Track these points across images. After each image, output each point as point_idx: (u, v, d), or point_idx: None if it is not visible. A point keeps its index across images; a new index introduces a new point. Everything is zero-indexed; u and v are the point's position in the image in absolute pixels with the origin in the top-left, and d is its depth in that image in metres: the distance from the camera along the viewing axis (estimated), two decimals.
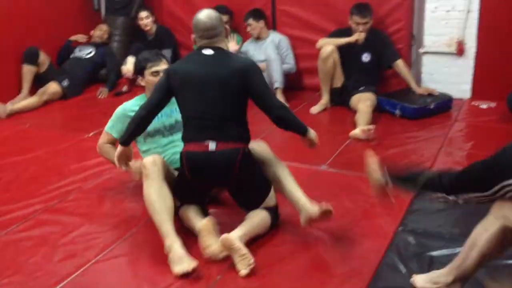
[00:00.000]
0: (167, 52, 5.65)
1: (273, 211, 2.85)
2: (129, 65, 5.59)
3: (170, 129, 3.23)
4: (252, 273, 2.48)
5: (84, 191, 3.40)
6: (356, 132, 4.01)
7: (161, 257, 2.64)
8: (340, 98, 4.76)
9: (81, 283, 2.49)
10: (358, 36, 4.54)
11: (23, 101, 5.10)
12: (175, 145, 3.15)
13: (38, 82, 5.50)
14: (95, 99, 5.43)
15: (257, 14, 5.15)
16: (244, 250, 2.52)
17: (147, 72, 3.19)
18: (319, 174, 3.50)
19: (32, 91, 5.39)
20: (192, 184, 2.79)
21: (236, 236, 2.54)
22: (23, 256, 2.71)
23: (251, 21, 5.11)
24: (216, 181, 2.81)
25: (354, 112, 4.42)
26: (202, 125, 2.70)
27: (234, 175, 2.69)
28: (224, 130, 2.70)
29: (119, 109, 3.30)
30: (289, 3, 5.24)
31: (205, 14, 2.81)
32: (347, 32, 4.71)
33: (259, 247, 2.69)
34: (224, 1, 5.40)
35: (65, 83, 5.38)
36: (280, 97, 4.85)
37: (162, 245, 2.73)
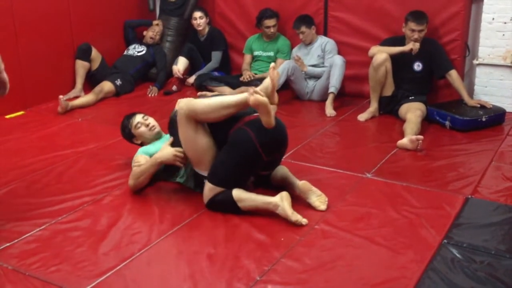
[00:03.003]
0: (217, 54, 5.73)
1: None
2: (179, 65, 5.70)
3: None
4: (292, 278, 2.49)
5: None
6: (404, 141, 3.96)
7: (203, 254, 2.69)
8: (389, 107, 4.71)
9: (125, 276, 2.54)
10: (413, 45, 4.48)
11: (81, 99, 5.25)
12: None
13: (91, 78, 5.67)
14: (145, 97, 5.55)
15: (308, 21, 5.17)
16: (318, 191, 3.12)
17: (133, 129, 3.60)
18: (364, 181, 3.48)
19: (85, 86, 5.57)
20: (257, 160, 3.04)
21: (306, 182, 3.12)
22: (70, 246, 2.80)
23: (304, 28, 5.13)
24: (284, 148, 3.20)
25: (402, 121, 4.36)
26: None
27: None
28: None
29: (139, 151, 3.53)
30: (342, 9, 5.23)
31: None
32: (400, 40, 4.66)
33: (301, 250, 2.70)
34: (275, 5, 5.44)
35: (118, 82, 5.52)
36: (331, 102, 4.85)
37: (204, 242, 2.78)
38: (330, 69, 4.95)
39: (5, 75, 2.91)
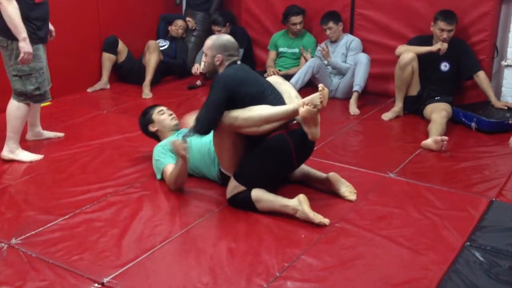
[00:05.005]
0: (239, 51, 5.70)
1: None
2: (196, 67, 5.67)
3: None
4: (311, 276, 2.50)
5: (154, 179, 3.49)
6: (428, 142, 3.92)
7: (223, 248, 2.70)
8: (414, 107, 4.67)
9: (146, 267, 2.57)
10: (441, 46, 4.43)
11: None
12: None
13: (117, 70, 5.73)
14: (169, 90, 5.58)
15: (336, 17, 5.15)
16: (347, 182, 3.22)
17: (155, 114, 3.64)
18: (387, 181, 3.45)
19: (111, 79, 5.63)
20: (288, 168, 3.14)
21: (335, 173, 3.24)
22: (93, 236, 2.83)
23: (331, 24, 5.10)
24: (308, 153, 3.20)
25: (427, 121, 4.32)
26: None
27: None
28: None
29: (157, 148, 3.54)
30: (369, 6, 5.19)
31: (229, 37, 3.29)
32: (427, 40, 4.61)
33: (321, 247, 2.70)
34: (301, 2, 5.43)
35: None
36: (355, 101, 4.82)
37: (224, 238, 2.80)
38: (355, 67, 4.92)
39: None
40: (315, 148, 3.87)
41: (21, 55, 3.49)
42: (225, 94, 2.96)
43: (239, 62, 3.17)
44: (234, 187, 3.08)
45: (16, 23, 3.44)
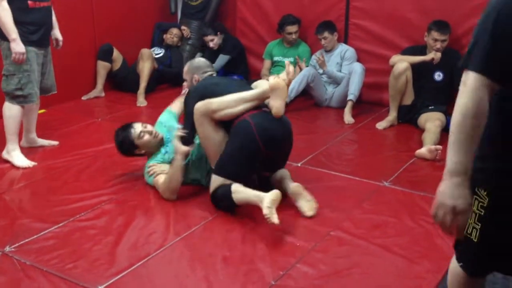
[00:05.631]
0: (223, 58, 5.70)
1: None
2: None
3: None
4: (307, 284, 2.50)
5: (148, 186, 3.49)
6: (423, 151, 3.94)
7: (218, 256, 2.70)
8: (408, 116, 4.69)
9: (141, 275, 2.56)
10: (434, 55, 4.46)
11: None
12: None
13: (112, 79, 5.73)
14: (164, 98, 5.56)
15: (331, 27, 5.17)
16: (309, 196, 3.12)
17: (137, 140, 3.47)
18: (381, 190, 3.47)
19: (106, 87, 5.63)
20: (256, 152, 3.08)
21: (299, 184, 3.14)
22: (87, 244, 2.83)
23: (327, 34, 5.13)
24: (285, 147, 3.26)
25: (421, 130, 4.34)
26: None
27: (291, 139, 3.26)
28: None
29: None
30: (363, 17, 5.22)
31: (200, 59, 3.70)
32: (421, 50, 4.65)
33: (316, 256, 2.70)
34: (296, 11, 5.45)
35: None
36: (350, 110, 4.85)
37: (219, 246, 2.79)
38: (350, 76, 4.94)
39: None
40: (310, 157, 3.89)
41: (13, 55, 3.59)
42: (196, 101, 3.20)
43: (214, 74, 3.57)
44: (213, 181, 3.12)
45: (6, 25, 3.55)
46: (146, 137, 3.44)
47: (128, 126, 3.51)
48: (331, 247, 2.80)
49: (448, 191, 1.60)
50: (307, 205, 3.11)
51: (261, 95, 3.16)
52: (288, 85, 3.16)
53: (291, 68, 3.18)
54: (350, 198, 3.33)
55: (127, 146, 3.49)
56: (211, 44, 5.69)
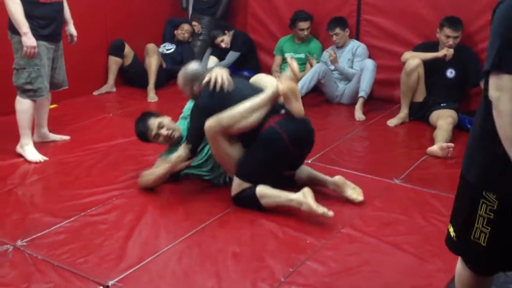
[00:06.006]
0: (233, 55, 5.70)
1: None
2: (209, 65, 5.72)
3: None
4: (316, 281, 2.49)
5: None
6: (434, 148, 3.92)
7: (228, 252, 2.70)
8: (420, 113, 4.66)
9: (151, 271, 2.57)
10: (447, 51, 4.43)
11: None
12: None
13: (123, 74, 5.75)
14: (175, 93, 5.55)
15: (343, 23, 5.15)
16: (353, 184, 3.23)
17: (153, 140, 3.49)
18: (392, 187, 3.45)
19: (117, 82, 5.65)
20: (285, 156, 3.10)
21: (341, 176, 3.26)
22: (98, 239, 2.84)
23: (338, 30, 5.11)
24: (310, 145, 3.25)
25: (433, 128, 4.32)
26: None
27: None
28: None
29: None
30: (375, 13, 5.20)
31: (191, 66, 3.37)
32: (433, 46, 4.62)
33: (326, 253, 2.70)
34: (308, 7, 5.43)
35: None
36: (361, 106, 4.83)
37: (229, 242, 2.80)
38: (361, 73, 4.92)
39: None
40: (321, 153, 3.88)
41: (24, 49, 3.61)
42: (204, 117, 3.08)
43: None
44: (238, 184, 3.11)
45: (16, 18, 3.57)
46: (161, 139, 3.47)
47: (145, 122, 3.49)
48: (342, 244, 2.80)
49: None
50: (354, 192, 3.20)
51: (272, 98, 3.09)
52: (298, 79, 3.12)
53: (294, 65, 3.12)
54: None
55: (145, 140, 3.57)
56: (223, 45, 5.70)
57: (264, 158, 3.07)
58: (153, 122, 3.46)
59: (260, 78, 3.39)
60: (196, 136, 3.19)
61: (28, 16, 3.61)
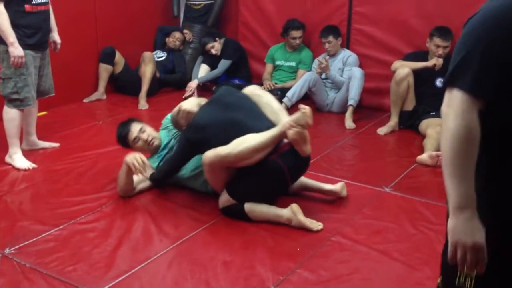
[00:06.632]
0: (225, 63, 5.72)
1: None
2: (201, 72, 5.73)
3: None
4: None
5: (149, 190, 3.48)
6: (424, 157, 3.94)
7: (219, 261, 2.69)
8: (409, 122, 4.69)
9: (141, 279, 2.56)
10: (436, 61, 4.47)
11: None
12: None
13: (114, 81, 5.74)
14: (166, 101, 5.58)
15: (336, 32, 5.18)
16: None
17: (131, 143, 3.52)
18: (382, 195, 3.46)
19: (107, 90, 5.64)
20: (283, 188, 3.15)
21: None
22: (87, 247, 2.82)
23: (331, 38, 5.13)
24: (303, 170, 3.21)
25: (422, 136, 4.34)
26: None
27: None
28: None
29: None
30: (365, 22, 5.23)
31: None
32: (423, 56, 4.65)
33: (316, 261, 2.70)
34: (299, 16, 5.46)
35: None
36: (350, 115, 4.84)
37: (219, 250, 2.79)
38: (349, 81, 4.94)
39: None
40: (312, 161, 3.88)
41: (11, 59, 3.59)
42: (189, 149, 3.16)
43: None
44: (227, 200, 3.10)
45: (3, 28, 3.55)
46: (140, 143, 3.50)
47: (127, 125, 3.55)
48: (332, 252, 2.80)
49: (462, 228, 1.44)
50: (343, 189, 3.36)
51: (279, 138, 2.95)
52: (306, 126, 2.92)
53: (307, 111, 2.90)
54: (350, 203, 3.32)
55: (124, 144, 3.59)
56: (213, 51, 5.71)
57: (261, 187, 3.05)
58: (136, 126, 3.51)
59: (257, 95, 3.28)
60: (170, 165, 3.29)
61: (15, 25, 3.59)
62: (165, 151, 3.51)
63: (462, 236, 1.44)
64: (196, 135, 3.09)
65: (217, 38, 5.73)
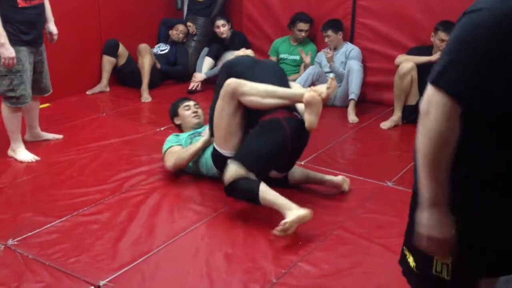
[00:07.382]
0: (232, 54, 5.70)
1: None
2: (205, 66, 5.72)
3: None
4: (308, 283, 2.50)
5: (151, 182, 3.49)
6: None
7: (221, 253, 2.70)
8: (413, 116, 4.66)
9: (143, 271, 2.56)
10: (440, 55, 4.45)
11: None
12: None
13: (117, 74, 5.74)
14: (170, 93, 5.57)
15: (336, 26, 5.16)
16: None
17: (181, 108, 3.75)
18: (384, 190, 3.46)
19: (110, 82, 5.64)
20: (282, 152, 3.08)
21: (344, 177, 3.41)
22: (90, 239, 2.83)
23: (330, 32, 5.12)
24: (303, 147, 3.24)
25: None
26: None
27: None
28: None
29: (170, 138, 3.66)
30: (370, 16, 5.21)
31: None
32: (427, 50, 4.63)
33: (318, 254, 2.70)
34: (303, 9, 5.45)
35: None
36: (353, 109, 4.84)
37: (221, 243, 2.80)
38: (348, 75, 4.93)
39: None
40: (314, 155, 3.89)
41: (2, 60, 3.53)
42: (226, 77, 3.17)
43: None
44: (234, 170, 2.96)
45: None
46: (188, 112, 3.71)
47: (185, 98, 3.86)
48: (334, 246, 2.80)
49: (434, 224, 1.45)
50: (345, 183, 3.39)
51: (294, 98, 3.08)
52: (326, 99, 3.05)
53: (333, 83, 3.10)
54: (353, 197, 3.32)
55: (173, 109, 3.81)
56: (221, 30, 5.67)
57: (264, 145, 3.01)
58: (192, 101, 3.80)
59: (294, 84, 3.52)
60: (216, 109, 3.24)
61: (9, 21, 3.51)
62: (194, 137, 3.55)
63: (434, 232, 1.46)
64: (233, 69, 3.27)
65: (229, 22, 5.72)
